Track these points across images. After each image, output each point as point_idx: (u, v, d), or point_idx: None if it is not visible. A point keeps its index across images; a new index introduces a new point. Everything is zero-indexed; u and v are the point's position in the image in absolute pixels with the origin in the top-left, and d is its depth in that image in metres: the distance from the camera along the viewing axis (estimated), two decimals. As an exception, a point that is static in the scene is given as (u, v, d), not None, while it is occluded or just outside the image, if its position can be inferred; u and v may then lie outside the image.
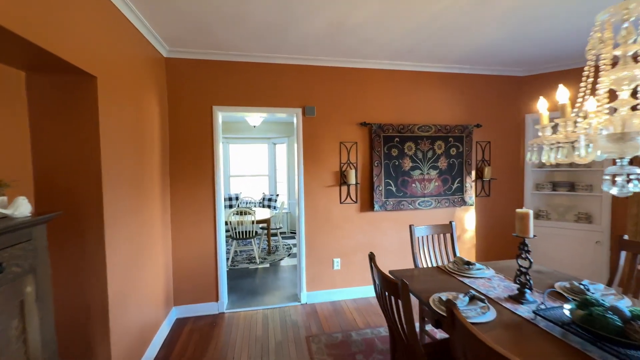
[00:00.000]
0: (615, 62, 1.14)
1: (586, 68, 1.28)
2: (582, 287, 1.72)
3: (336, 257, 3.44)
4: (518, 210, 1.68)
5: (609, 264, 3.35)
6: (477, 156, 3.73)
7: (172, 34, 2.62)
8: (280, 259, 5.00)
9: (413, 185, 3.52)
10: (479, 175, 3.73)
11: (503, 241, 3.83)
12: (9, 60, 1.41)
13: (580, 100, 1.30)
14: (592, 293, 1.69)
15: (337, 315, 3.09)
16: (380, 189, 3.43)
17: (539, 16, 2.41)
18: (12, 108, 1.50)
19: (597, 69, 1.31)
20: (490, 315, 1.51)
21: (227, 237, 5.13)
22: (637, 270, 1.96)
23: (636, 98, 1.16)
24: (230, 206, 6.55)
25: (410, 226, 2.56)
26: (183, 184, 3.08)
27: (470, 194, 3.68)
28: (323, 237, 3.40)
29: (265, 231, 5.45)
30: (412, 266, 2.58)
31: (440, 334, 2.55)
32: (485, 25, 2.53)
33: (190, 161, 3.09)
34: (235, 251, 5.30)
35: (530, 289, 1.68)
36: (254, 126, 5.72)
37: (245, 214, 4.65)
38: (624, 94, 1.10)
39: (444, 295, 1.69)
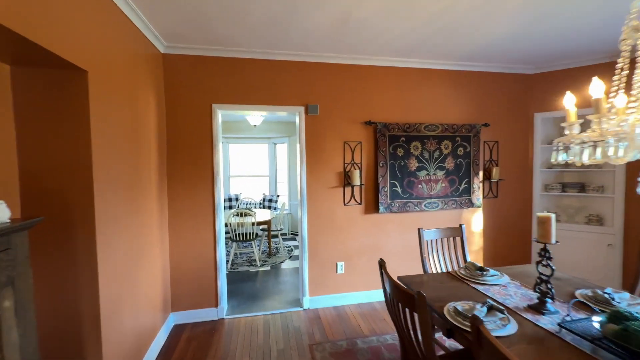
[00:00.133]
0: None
1: (620, 60, 1.18)
2: (606, 295, 1.62)
3: (340, 260, 3.32)
4: (539, 214, 1.57)
5: (622, 267, 3.24)
6: (484, 156, 3.62)
7: (169, 29, 2.50)
8: (282, 262, 4.89)
9: (419, 186, 3.41)
10: (487, 176, 3.62)
11: (511, 244, 3.72)
12: (-10, 52, 1.30)
13: (613, 95, 1.19)
14: (618, 302, 1.58)
15: (341, 322, 2.97)
16: (385, 190, 3.32)
17: (549, 12, 2.31)
18: (-5, 104, 1.39)
19: (632, 62, 1.20)
20: (512, 328, 1.40)
21: (226, 239, 5.03)
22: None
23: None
24: (230, 207, 6.44)
25: (419, 229, 2.45)
26: (181, 185, 2.96)
27: (478, 195, 3.56)
28: (326, 239, 3.28)
29: (266, 233, 5.34)
30: (419, 270, 2.49)
31: (449, 343, 2.44)
32: (495, 21, 2.43)
33: (188, 161, 2.97)
34: (235, 253, 5.19)
35: (552, 298, 1.57)
36: (255, 125, 5.62)
37: (246, 215, 4.54)
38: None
39: (460, 306, 1.58)
